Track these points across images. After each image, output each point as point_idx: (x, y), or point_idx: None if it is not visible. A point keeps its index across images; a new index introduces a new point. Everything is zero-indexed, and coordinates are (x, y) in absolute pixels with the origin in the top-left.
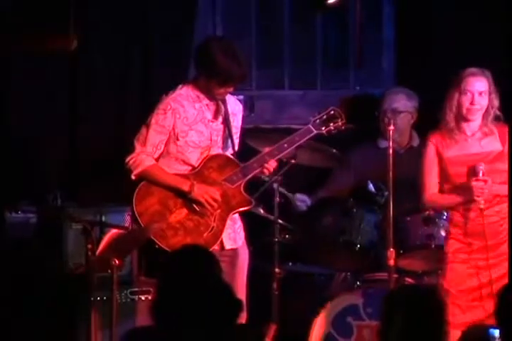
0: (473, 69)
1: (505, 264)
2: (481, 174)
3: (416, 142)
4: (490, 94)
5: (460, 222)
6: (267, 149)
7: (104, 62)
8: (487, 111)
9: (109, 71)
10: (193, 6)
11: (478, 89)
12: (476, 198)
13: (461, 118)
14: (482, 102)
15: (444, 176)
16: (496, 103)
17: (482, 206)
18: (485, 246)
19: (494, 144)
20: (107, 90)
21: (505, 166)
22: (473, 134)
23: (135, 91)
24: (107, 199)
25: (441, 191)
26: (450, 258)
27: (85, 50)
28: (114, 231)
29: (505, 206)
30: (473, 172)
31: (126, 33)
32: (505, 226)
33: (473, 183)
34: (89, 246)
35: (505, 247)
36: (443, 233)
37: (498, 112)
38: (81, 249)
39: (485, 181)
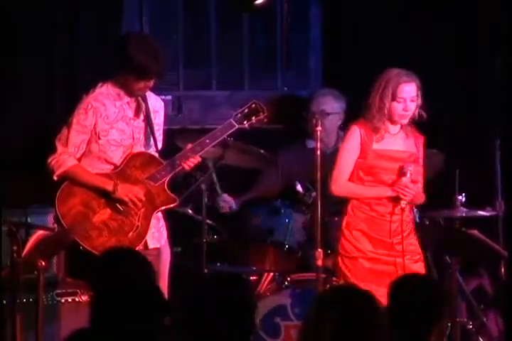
0: (404, 76)
1: (408, 263)
2: (408, 175)
3: None
4: (418, 96)
5: (365, 214)
6: (189, 145)
7: (28, 61)
8: (414, 112)
9: (33, 71)
10: (119, 5)
11: (410, 96)
12: (402, 197)
13: (389, 120)
14: (413, 107)
15: (364, 167)
16: (420, 102)
17: (403, 205)
18: (391, 245)
19: (413, 148)
20: (29, 90)
21: (421, 170)
22: (397, 133)
23: (59, 91)
24: (31, 200)
25: (352, 180)
26: (350, 251)
27: (8, 51)
28: (40, 232)
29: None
30: (401, 171)
31: (51, 32)
32: (402, 228)
33: (405, 182)
34: (15, 247)
35: (408, 247)
36: None
37: (422, 112)
38: (6, 250)
39: (415, 182)
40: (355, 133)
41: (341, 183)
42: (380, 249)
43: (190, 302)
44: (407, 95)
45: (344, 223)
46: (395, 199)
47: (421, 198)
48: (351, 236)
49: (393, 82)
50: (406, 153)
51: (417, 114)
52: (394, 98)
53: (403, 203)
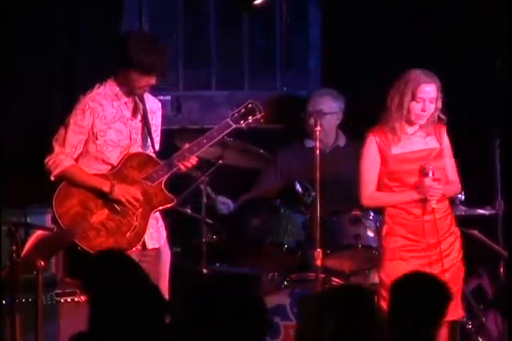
0: (425, 77)
1: (446, 260)
2: (431, 174)
3: (342, 142)
4: (438, 98)
5: (404, 219)
6: (186, 145)
7: (28, 61)
8: (432, 114)
9: (33, 71)
10: (119, 5)
11: (429, 96)
12: (429, 198)
13: (407, 121)
14: (432, 108)
15: (387, 174)
16: (440, 105)
17: (435, 206)
18: (428, 244)
19: (435, 142)
20: (29, 90)
21: (443, 164)
22: (414, 133)
23: (58, 91)
24: (31, 200)
25: (381, 189)
26: (389, 255)
27: (8, 51)
28: (39, 232)
29: (445, 203)
30: (422, 172)
31: (51, 32)
32: (445, 223)
33: (428, 183)
34: (14, 247)
35: (445, 245)
36: (370, 233)
37: (441, 115)
38: (6, 250)
39: (438, 181)
40: (372, 143)
41: (369, 195)
42: (416, 252)
43: (190, 303)
44: (427, 95)
45: (384, 232)
46: (425, 200)
47: (451, 191)
48: (391, 241)
49: (414, 82)
50: (425, 151)
51: (436, 116)
52: (414, 97)
53: (433, 203)
